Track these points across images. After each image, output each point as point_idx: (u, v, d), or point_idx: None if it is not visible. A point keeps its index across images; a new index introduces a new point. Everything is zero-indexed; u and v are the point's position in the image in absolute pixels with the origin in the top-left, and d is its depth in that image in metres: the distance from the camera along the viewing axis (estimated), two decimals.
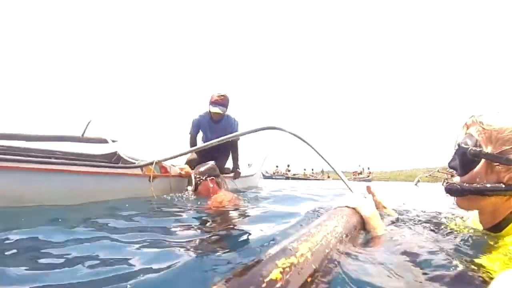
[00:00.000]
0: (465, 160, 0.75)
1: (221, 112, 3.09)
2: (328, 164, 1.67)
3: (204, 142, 3.15)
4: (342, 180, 1.52)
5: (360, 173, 25.42)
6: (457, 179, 0.79)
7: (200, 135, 3.36)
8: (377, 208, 0.97)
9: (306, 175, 23.25)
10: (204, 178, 2.27)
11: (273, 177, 19.77)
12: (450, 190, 0.76)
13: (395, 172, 33.19)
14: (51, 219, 1.45)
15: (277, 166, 23.27)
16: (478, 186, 0.72)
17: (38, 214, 1.62)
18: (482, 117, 0.76)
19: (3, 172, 1.63)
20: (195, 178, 2.29)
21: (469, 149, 0.72)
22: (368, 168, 26.16)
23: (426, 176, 14.17)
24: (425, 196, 5.01)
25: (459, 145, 0.77)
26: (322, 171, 26.84)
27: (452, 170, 0.83)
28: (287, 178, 19.87)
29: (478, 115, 0.77)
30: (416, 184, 11.48)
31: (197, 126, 3.27)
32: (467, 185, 0.73)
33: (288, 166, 23.54)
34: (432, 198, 4.67)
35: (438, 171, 12.50)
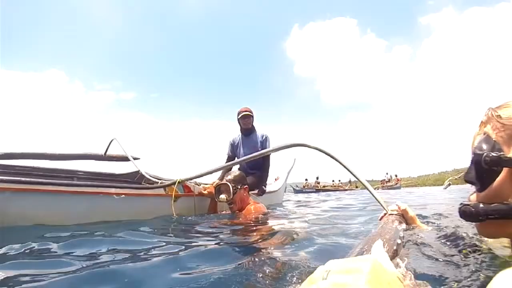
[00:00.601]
0: (481, 170, 0.53)
1: (249, 113, 3.23)
2: (356, 178, 1.52)
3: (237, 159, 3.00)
4: (371, 193, 1.34)
5: (388, 181, 24.64)
6: (474, 197, 0.58)
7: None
8: (409, 224, 1.07)
9: (335, 186, 23.08)
10: (239, 187, 2.11)
11: (304, 190, 19.74)
12: (464, 214, 0.55)
13: (422, 177, 31.84)
14: (73, 237, 1.35)
15: (306, 179, 23.19)
16: (501, 206, 0.50)
17: (59, 232, 1.47)
18: (501, 109, 0.54)
19: (29, 194, 1.63)
20: (232, 187, 2.08)
21: (484, 155, 0.51)
22: (396, 176, 25.35)
23: (456, 179, 13.31)
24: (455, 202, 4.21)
25: (473, 152, 0.55)
26: (350, 181, 26.25)
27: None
28: (317, 190, 19.69)
29: (495, 107, 0.55)
30: (445, 188, 10.75)
31: (231, 144, 3.38)
32: (482, 206, 0.52)
33: (317, 178, 23.44)
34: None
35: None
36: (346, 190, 19.71)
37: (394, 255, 0.60)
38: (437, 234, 1.04)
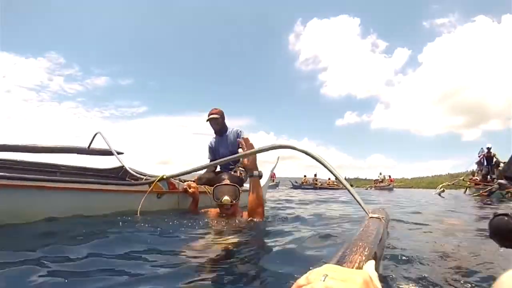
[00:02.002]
0: None
1: (216, 116, 2.97)
2: (340, 181, 1.32)
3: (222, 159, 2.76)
4: (354, 197, 1.22)
5: (382, 181, 23.74)
6: None
7: None
8: None
9: (330, 184, 22.18)
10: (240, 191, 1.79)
11: (302, 186, 19.11)
12: (499, 231, 0.31)
13: (416, 179, 30.68)
14: (54, 232, 1.27)
15: (305, 176, 22.56)
16: None
17: (41, 228, 1.39)
18: None
19: (8, 190, 1.42)
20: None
21: None
22: (389, 176, 24.39)
23: (448, 184, 12.24)
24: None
25: None
26: (346, 180, 25.32)
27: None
28: (315, 187, 18.98)
29: None
30: (439, 194, 9.39)
31: (210, 148, 3.15)
32: None
33: (315, 175, 22.73)
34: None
35: (463, 179, 10.61)
36: (341, 189, 18.92)
37: (374, 257, 0.53)
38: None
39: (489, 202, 5.58)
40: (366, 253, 0.53)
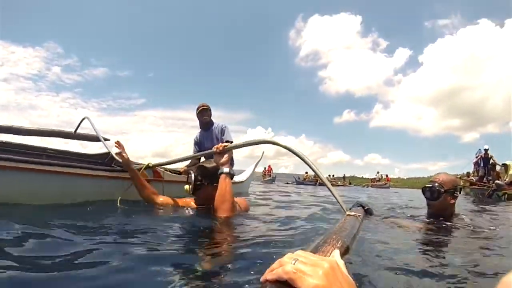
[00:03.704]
0: None
1: (206, 107, 2.90)
2: (320, 178, 1.32)
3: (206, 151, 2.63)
4: (333, 194, 1.17)
5: (379, 180, 23.15)
6: None
7: None
8: None
9: (329, 180, 21.64)
10: (206, 184, 1.56)
11: (304, 183, 18.82)
12: None
13: (412, 179, 29.73)
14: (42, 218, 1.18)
15: (306, 172, 22.23)
16: None
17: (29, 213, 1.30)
18: None
19: None
20: (195, 180, 1.55)
21: None
22: (386, 176, 23.75)
23: None
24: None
25: None
26: (344, 177, 25.00)
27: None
28: (316, 183, 18.69)
29: None
30: None
31: (196, 142, 3.02)
32: None
33: None
34: None
35: (460, 177, 10.23)
36: (339, 185, 18.57)
37: (346, 250, 0.55)
38: None
39: (485, 202, 5.21)
40: (338, 245, 0.52)
